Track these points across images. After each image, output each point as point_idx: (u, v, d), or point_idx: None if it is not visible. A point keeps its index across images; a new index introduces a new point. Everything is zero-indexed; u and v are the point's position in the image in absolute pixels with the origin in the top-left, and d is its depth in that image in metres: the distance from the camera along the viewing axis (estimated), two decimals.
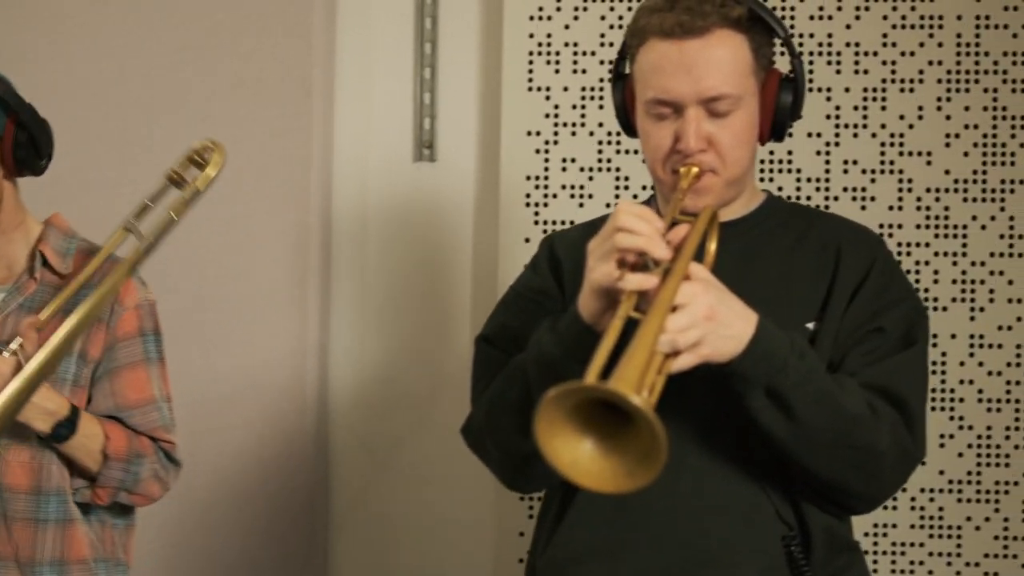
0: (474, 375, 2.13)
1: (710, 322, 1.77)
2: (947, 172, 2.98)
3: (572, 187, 3.04)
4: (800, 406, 1.86)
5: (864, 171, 2.99)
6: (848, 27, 2.98)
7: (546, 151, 3.04)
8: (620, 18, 3.02)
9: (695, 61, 1.97)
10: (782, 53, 2.08)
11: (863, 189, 2.99)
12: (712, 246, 1.95)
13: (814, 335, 2.01)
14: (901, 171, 2.99)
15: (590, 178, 3.04)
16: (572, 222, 2.99)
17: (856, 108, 2.99)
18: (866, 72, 2.98)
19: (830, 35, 2.99)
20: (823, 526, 1.99)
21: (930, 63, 2.97)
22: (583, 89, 3.03)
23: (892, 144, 2.99)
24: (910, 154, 2.98)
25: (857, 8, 2.98)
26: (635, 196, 2.96)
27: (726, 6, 1.98)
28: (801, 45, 2.98)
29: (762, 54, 2.03)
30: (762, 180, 2.99)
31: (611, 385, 1.55)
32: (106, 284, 2.18)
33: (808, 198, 2.99)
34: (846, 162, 2.99)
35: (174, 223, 2.20)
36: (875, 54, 2.98)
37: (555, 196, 3.04)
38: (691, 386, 1.95)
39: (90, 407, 2.31)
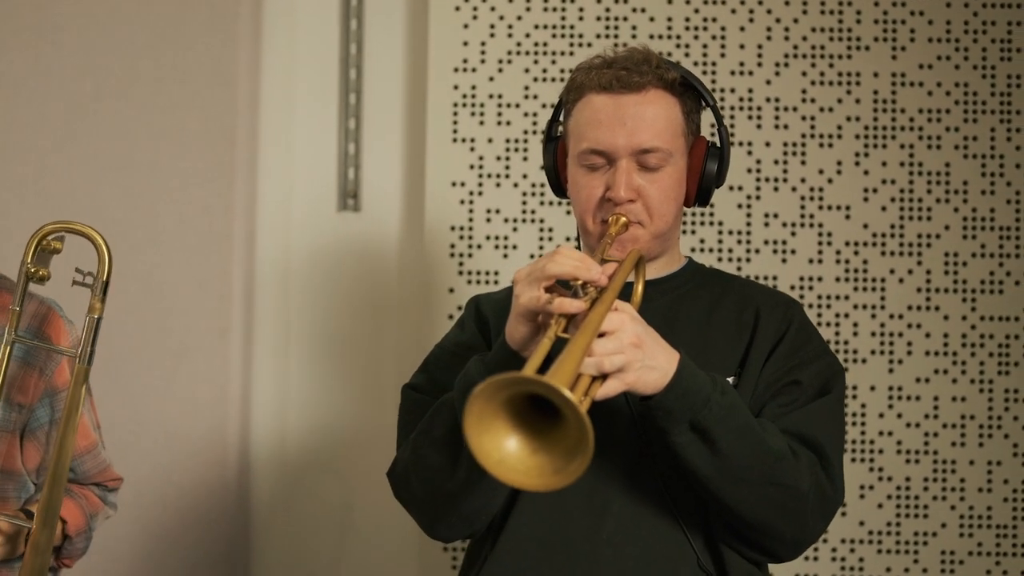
0: (400, 420, 2.13)
1: (637, 350, 1.81)
2: (865, 226, 3.03)
3: (496, 238, 3.05)
4: (724, 440, 1.88)
5: (784, 224, 3.03)
6: (768, 83, 3.04)
7: (471, 202, 3.05)
8: (544, 71, 3.04)
9: (630, 114, 2.05)
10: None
11: (783, 242, 3.03)
12: (639, 287, 1.99)
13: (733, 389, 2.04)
14: (821, 225, 3.03)
15: (514, 229, 3.05)
16: (496, 272, 3.02)
17: (776, 162, 3.03)
18: (786, 127, 3.03)
19: (751, 90, 3.03)
20: (743, 575, 2.00)
21: (848, 119, 3.03)
22: (507, 140, 3.05)
23: (812, 198, 3.04)
24: (829, 208, 3.03)
25: (777, 64, 3.03)
26: (558, 247, 2.98)
27: (662, 68, 2.08)
28: (722, 100, 3.03)
29: (691, 119, 2.13)
30: (684, 233, 3.02)
31: (543, 377, 1.57)
32: None
33: (730, 251, 3.02)
34: (767, 215, 3.03)
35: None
36: (795, 109, 3.03)
37: (479, 247, 3.05)
38: (616, 430, 1.98)
39: (27, 456, 2.25)
